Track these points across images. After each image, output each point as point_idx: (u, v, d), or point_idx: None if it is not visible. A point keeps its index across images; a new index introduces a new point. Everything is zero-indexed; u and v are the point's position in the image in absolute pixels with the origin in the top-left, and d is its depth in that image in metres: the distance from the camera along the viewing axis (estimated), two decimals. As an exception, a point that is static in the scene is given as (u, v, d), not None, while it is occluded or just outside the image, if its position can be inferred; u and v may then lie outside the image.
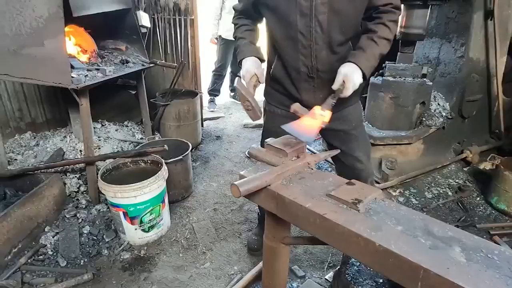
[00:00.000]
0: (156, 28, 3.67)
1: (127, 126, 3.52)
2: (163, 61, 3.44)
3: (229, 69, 5.38)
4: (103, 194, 2.42)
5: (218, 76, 5.17)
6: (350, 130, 1.83)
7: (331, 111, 1.37)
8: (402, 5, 2.05)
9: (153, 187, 2.22)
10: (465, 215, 2.67)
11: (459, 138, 3.26)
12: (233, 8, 1.78)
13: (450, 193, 2.92)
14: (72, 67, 2.38)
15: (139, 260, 2.25)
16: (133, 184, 2.14)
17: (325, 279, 2.05)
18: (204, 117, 4.75)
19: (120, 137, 3.21)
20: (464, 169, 3.19)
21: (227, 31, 4.78)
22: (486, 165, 3.16)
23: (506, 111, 3.30)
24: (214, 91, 5.26)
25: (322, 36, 1.54)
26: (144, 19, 3.26)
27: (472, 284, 0.80)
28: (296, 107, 1.40)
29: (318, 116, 1.29)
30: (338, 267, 1.68)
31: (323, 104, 1.38)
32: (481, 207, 2.77)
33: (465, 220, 2.60)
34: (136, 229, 2.30)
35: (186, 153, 2.75)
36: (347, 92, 1.46)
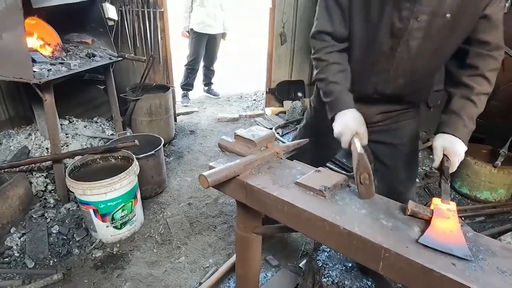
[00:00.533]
0: (124, 21, 3.57)
1: (97, 122, 3.42)
2: (132, 55, 3.36)
3: (202, 63, 5.32)
4: (72, 192, 2.36)
5: (191, 70, 5.10)
6: (398, 145, 1.60)
7: (453, 201, 1.09)
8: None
9: (124, 183, 2.17)
10: (431, 200, 2.79)
11: (425, 127, 3.39)
12: (318, 31, 1.39)
13: (417, 180, 3.03)
14: (33, 61, 2.28)
15: (111, 257, 2.21)
16: (103, 181, 2.09)
17: (299, 267, 2.09)
18: (177, 111, 4.69)
19: (89, 133, 3.12)
20: (431, 156, 3.32)
21: (199, 24, 4.72)
22: (451, 152, 3.31)
23: (468, 100, 3.45)
24: (187, 86, 5.19)
25: (406, 63, 1.34)
26: (111, 11, 3.17)
27: (428, 261, 0.85)
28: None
29: (447, 212, 1.01)
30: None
31: (442, 196, 1.10)
32: (446, 192, 2.90)
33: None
34: (107, 226, 2.25)
35: (158, 148, 2.71)
36: (455, 167, 1.24)
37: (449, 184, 1.16)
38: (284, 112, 4.66)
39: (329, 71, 1.38)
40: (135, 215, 2.38)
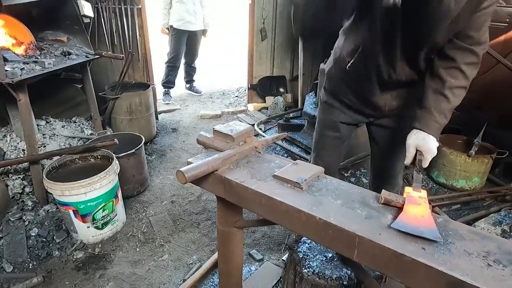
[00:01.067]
0: (101, 18, 3.50)
1: (75, 122, 3.35)
2: (110, 52, 3.30)
3: (183, 60, 5.28)
4: (50, 193, 2.31)
5: (171, 67, 5.04)
6: (396, 130, 1.60)
7: (424, 189, 1.13)
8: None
9: (104, 182, 2.15)
10: (403, 189, 2.86)
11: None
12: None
13: (410, 175, 3.10)
14: (5, 59, 2.21)
15: (93, 258, 2.18)
16: (82, 181, 2.06)
17: (282, 260, 2.12)
18: (159, 109, 4.65)
19: (68, 133, 3.05)
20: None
21: (178, 21, 4.67)
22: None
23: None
24: (168, 83, 5.14)
25: (407, 64, 1.36)
26: (86, 8, 3.09)
27: (399, 246, 0.87)
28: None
29: (419, 199, 1.04)
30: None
31: (413, 185, 1.13)
32: (424, 182, 2.99)
33: (410, 195, 2.79)
34: (88, 227, 2.22)
35: (138, 147, 2.68)
36: (427, 163, 1.29)
37: (421, 175, 1.19)
38: (267, 108, 4.67)
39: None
40: (116, 214, 2.36)
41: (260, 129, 3.98)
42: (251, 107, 4.78)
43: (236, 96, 5.55)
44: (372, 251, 0.92)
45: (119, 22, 3.61)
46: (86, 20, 3.14)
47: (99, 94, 3.36)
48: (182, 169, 1.12)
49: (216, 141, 1.39)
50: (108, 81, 3.75)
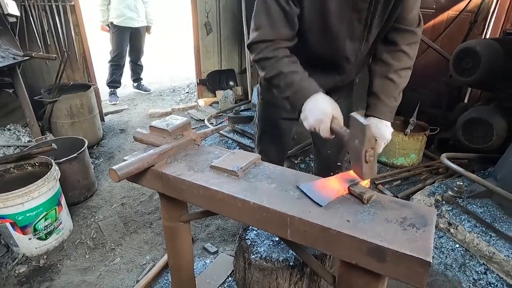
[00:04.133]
0: (30, 16, 3.26)
1: (10, 129, 3.12)
2: (41, 53, 3.10)
3: (128, 59, 5.09)
4: (-16, 207, 2.14)
5: (116, 66, 4.86)
6: None
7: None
8: None
9: (43, 190, 2.03)
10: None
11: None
12: (262, 40, 1.21)
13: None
14: None
15: (38, 271, 2.06)
16: (17, 190, 1.93)
17: (237, 250, 2.15)
18: (105, 110, 4.47)
19: (1, 142, 2.84)
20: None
21: (119, 17, 4.50)
22: (371, 126, 3.58)
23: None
24: (113, 83, 4.94)
25: (363, 58, 1.36)
26: (10, 6, 2.87)
27: (326, 222, 0.93)
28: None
29: (347, 181, 1.05)
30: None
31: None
32: (369, 163, 3.15)
33: (356, 176, 2.94)
34: (30, 238, 2.09)
35: (81, 150, 2.56)
36: (380, 149, 1.28)
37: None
38: (217, 102, 4.66)
39: (281, 65, 1.20)
40: (61, 222, 2.24)
41: (211, 123, 3.96)
42: (201, 102, 4.74)
43: (187, 92, 5.47)
44: (303, 228, 0.97)
45: (50, 21, 3.39)
46: (12, 20, 2.92)
47: (35, 98, 3.16)
48: (114, 167, 1.10)
49: (153, 136, 1.38)
50: (45, 84, 3.52)
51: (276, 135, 1.73)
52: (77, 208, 2.62)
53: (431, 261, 0.80)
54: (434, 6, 3.85)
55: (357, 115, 0.98)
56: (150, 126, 1.40)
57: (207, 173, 1.19)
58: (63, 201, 2.27)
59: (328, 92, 1.25)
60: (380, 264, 0.86)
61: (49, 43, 3.46)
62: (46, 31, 3.40)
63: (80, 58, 3.72)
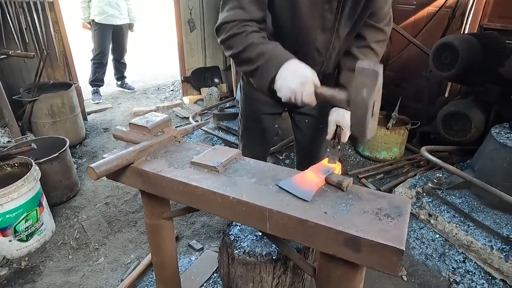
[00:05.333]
0: (6, 14, 3.17)
1: (-12, 130, 3.05)
2: (19, 51, 3.02)
3: (111, 57, 5.02)
4: (-39, 210, 2.09)
5: (98, 64, 4.78)
6: (319, 115, 1.61)
7: (340, 162, 1.18)
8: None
9: (23, 191, 1.99)
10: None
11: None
12: (232, 19, 1.19)
13: (328, 150, 3.28)
14: None
15: (19, 273, 2.03)
16: (-5, 192, 1.89)
17: (222, 246, 2.16)
18: (88, 109, 4.40)
19: (-21, 143, 2.77)
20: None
21: (100, 15, 4.42)
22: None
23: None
24: (96, 81, 4.86)
25: (336, 51, 1.36)
26: (-14, 3, 2.80)
27: (304, 214, 0.94)
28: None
29: (323, 171, 1.09)
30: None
31: (329, 157, 1.17)
32: (352, 157, 3.20)
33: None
34: (10, 240, 2.05)
35: (62, 150, 2.52)
36: (346, 137, 1.30)
37: (339, 149, 1.24)
38: (202, 100, 4.64)
39: (251, 37, 1.17)
40: (43, 223, 2.21)
41: (196, 121, 3.95)
42: (186, 100, 4.72)
43: (172, 90, 5.43)
44: (281, 221, 0.98)
45: (28, 18, 3.30)
46: (-13, 17, 2.84)
47: (14, 97, 3.09)
48: (92, 165, 1.09)
49: (132, 134, 1.37)
50: (25, 83, 3.44)
51: (258, 130, 1.74)
52: (60, 208, 2.58)
53: (404, 249, 0.82)
54: (415, 2, 3.92)
55: (363, 63, 0.94)
56: (130, 123, 1.39)
57: (187, 169, 1.19)
58: (44, 202, 2.24)
59: None
60: (356, 254, 0.88)
61: (27, 41, 3.38)
62: (24, 29, 3.31)
63: (60, 56, 3.65)
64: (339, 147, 1.26)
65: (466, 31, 3.39)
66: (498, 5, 3.14)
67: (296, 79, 1.09)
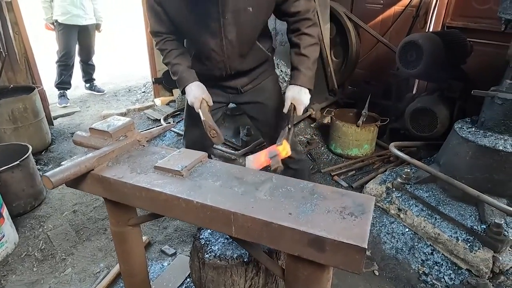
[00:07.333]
0: (-41, 14, 3.01)
1: None
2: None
3: (78, 58, 4.84)
4: None
5: (64, 67, 4.60)
6: (264, 101, 1.86)
7: (286, 140, 1.37)
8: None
9: (-20, 202, 1.88)
10: (313, 164, 3.09)
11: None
12: (154, 32, 1.64)
13: (301, 148, 3.31)
14: None
15: (-21, 289, 1.92)
16: (-51, 204, 1.78)
17: (195, 250, 2.12)
18: (54, 114, 4.24)
19: None
20: (311, 125, 3.65)
21: (64, 15, 4.26)
22: (326, 119, 3.67)
23: (337, 71, 3.86)
24: (62, 84, 4.68)
25: (233, 50, 1.60)
26: None
27: (268, 216, 0.93)
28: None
29: (271, 153, 1.27)
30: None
31: (278, 139, 1.38)
32: (325, 155, 3.24)
33: (313, 168, 3.01)
34: (-32, 255, 1.94)
35: (24, 157, 2.40)
36: (300, 112, 1.60)
37: (290, 128, 1.45)
38: (175, 101, 4.56)
39: (170, 56, 1.64)
40: (4, 235, 2.09)
41: (168, 123, 3.87)
42: (158, 101, 4.62)
43: (143, 92, 5.30)
44: (246, 224, 0.96)
45: (-15, 19, 3.14)
46: None
47: (-30, 103, 2.92)
48: (47, 173, 1.04)
49: (93, 139, 1.32)
50: (-18, 88, 3.26)
51: (198, 118, 1.74)
52: (23, 219, 2.46)
53: (366, 247, 0.82)
54: (382, 1, 4.01)
55: (201, 111, 1.59)
56: (90, 128, 1.34)
57: (150, 174, 1.16)
58: (5, 213, 2.12)
59: (233, 77, 1.72)
60: (320, 254, 0.88)
61: (-16, 44, 3.20)
62: (-20, 30, 3.14)
63: (21, 59, 3.49)
64: (288, 128, 1.44)
65: (430, 30, 3.50)
66: (459, 5, 3.26)
67: (190, 98, 1.63)
